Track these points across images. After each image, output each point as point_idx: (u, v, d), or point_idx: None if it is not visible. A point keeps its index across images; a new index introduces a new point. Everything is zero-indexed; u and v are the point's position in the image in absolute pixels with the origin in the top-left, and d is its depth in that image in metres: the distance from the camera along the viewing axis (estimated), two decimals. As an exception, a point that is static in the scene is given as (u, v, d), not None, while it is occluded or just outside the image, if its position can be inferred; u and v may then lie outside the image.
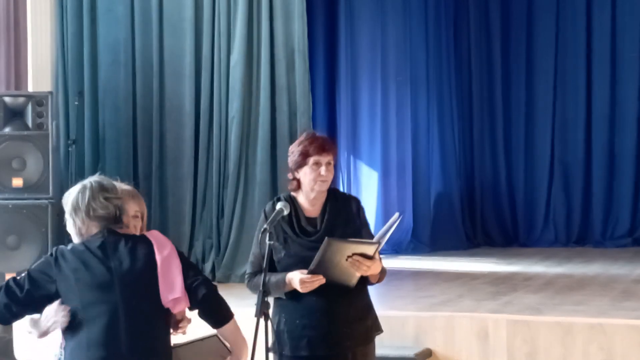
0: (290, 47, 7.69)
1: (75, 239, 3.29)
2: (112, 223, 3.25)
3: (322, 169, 3.73)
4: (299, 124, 7.59)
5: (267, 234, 3.60)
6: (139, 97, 8.06)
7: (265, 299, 3.54)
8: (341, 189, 9.78)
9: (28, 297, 3.16)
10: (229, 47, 7.82)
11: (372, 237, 3.82)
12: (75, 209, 3.26)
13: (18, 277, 3.20)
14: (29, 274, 3.19)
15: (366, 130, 10.08)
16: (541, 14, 10.71)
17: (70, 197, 3.31)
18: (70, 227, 3.31)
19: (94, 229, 3.25)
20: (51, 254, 3.23)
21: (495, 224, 10.78)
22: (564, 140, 10.64)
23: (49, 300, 3.18)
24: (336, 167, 10.56)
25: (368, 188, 10.02)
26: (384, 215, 9.97)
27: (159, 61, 8.01)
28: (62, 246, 3.28)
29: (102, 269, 3.18)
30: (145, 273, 3.20)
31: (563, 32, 10.65)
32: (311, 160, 3.74)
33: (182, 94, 7.97)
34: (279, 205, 3.72)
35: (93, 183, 3.28)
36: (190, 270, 3.27)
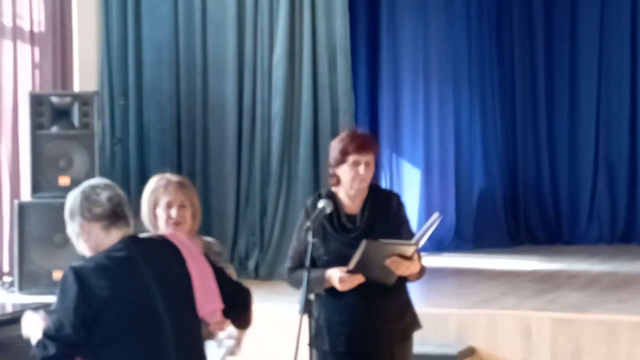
0: (332, 45, 7.72)
1: (86, 252, 3.07)
2: (115, 220, 3.04)
3: (361, 168, 3.71)
4: (341, 122, 7.61)
5: (310, 232, 3.61)
6: (182, 95, 8.14)
7: (309, 297, 3.56)
8: (383, 187, 9.78)
9: (79, 342, 2.90)
10: (271, 45, 7.87)
11: (411, 233, 3.82)
12: (72, 214, 3.07)
13: (49, 331, 2.92)
14: (59, 321, 2.89)
15: (408, 128, 10.07)
16: (585, 9, 10.60)
17: (65, 208, 3.12)
18: (74, 238, 3.09)
19: (98, 231, 3.04)
20: (70, 282, 2.91)
21: (539, 221, 10.70)
22: (609, 137, 10.53)
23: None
24: (378, 165, 10.60)
25: (410, 186, 10.00)
26: (426, 213, 9.95)
27: (202, 60, 8.08)
28: (75, 266, 2.97)
29: (137, 283, 2.97)
30: (182, 283, 3.04)
31: (607, 27, 10.53)
32: (350, 158, 3.72)
33: (225, 92, 8.03)
34: (321, 204, 3.72)
35: (84, 186, 3.11)
36: (224, 276, 3.18)
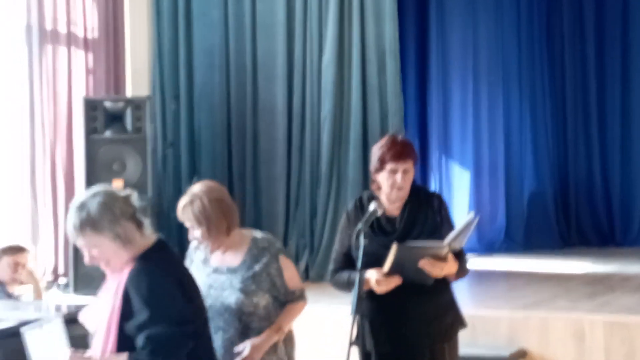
0: (381, 48, 7.72)
1: (124, 256, 3.06)
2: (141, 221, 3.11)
3: (398, 177, 3.73)
4: (391, 125, 7.61)
5: (362, 234, 3.64)
6: (233, 99, 8.21)
7: (361, 298, 3.59)
8: (432, 189, 9.76)
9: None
10: (320, 48, 7.90)
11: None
12: (108, 219, 3.01)
13: (169, 336, 2.96)
14: (177, 318, 2.96)
15: (458, 129, 10.03)
16: (636, 10, 10.46)
17: (93, 218, 3.00)
18: (113, 245, 3.04)
19: (135, 231, 3.08)
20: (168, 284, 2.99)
21: (591, 224, 10.58)
22: (662, 138, 10.39)
23: None
24: (427, 168, 10.55)
25: (460, 188, 9.97)
26: (476, 214, 9.90)
27: (252, 64, 8.14)
28: (156, 269, 3.04)
29: (192, 276, 3.18)
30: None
31: (660, 27, 10.40)
32: (388, 166, 3.75)
33: (275, 95, 8.08)
34: (372, 206, 3.75)
35: (99, 195, 3.05)
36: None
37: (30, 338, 3.07)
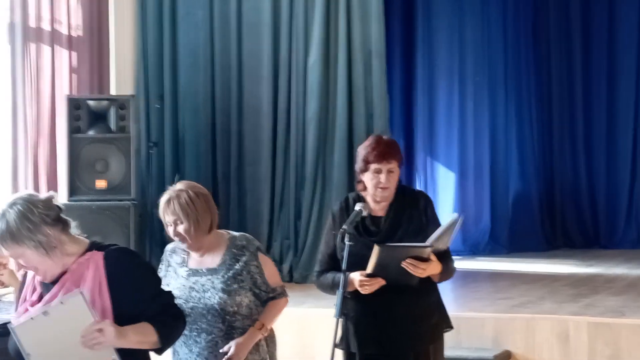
0: (367, 49, 7.71)
1: (56, 264, 3.01)
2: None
3: (382, 177, 3.72)
4: (376, 126, 7.59)
5: (347, 235, 3.61)
6: (217, 99, 8.17)
7: (346, 299, 3.56)
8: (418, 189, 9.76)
9: None
10: (306, 49, 7.88)
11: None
12: (27, 229, 2.93)
13: None
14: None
15: (443, 131, 10.03)
16: (623, 13, 10.49)
17: (11, 229, 2.93)
18: (40, 252, 2.97)
19: (61, 234, 3.07)
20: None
21: (576, 225, 10.60)
22: (647, 140, 10.42)
23: None
24: (412, 169, 10.54)
25: (445, 189, 9.97)
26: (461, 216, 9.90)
27: (237, 64, 8.11)
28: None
29: None
30: None
31: (645, 29, 10.43)
32: (372, 167, 3.74)
33: (260, 96, 8.05)
34: (357, 207, 3.74)
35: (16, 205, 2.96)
36: None
37: (22, 332, 2.99)
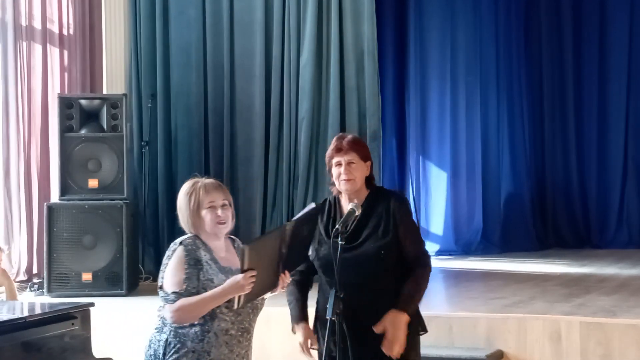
0: (359, 48, 7.71)
1: None
2: None
3: (342, 169, 3.72)
4: (369, 125, 7.60)
5: (340, 235, 3.56)
6: (210, 98, 8.17)
7: (339, 299, 3.53)
8: (410, 190, 9.77)
9: None
10: (298, 48, 7.88)
11: (411, 232, 3.72)
12: None
13: None
14: None
15: (435, 130, 10.04)
16: (614, 12, 10.53)
17: None
18: None
19: None
20: None
21: (567, 225, 10.63)
22: (638, 140, 10.45)
23: None
24: (404, 169, 10.50)
25: (437, 189, 9.98)
26: (454, 215, 9.92)
27: (229, 63, 8.10)
28: None
29: None
30: None
31: (636, 29, 10.46)
32: (333, 161, 3.76)
33: (252, 95, 8.05)
34: (350, 206, 3.71)
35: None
36: None
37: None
